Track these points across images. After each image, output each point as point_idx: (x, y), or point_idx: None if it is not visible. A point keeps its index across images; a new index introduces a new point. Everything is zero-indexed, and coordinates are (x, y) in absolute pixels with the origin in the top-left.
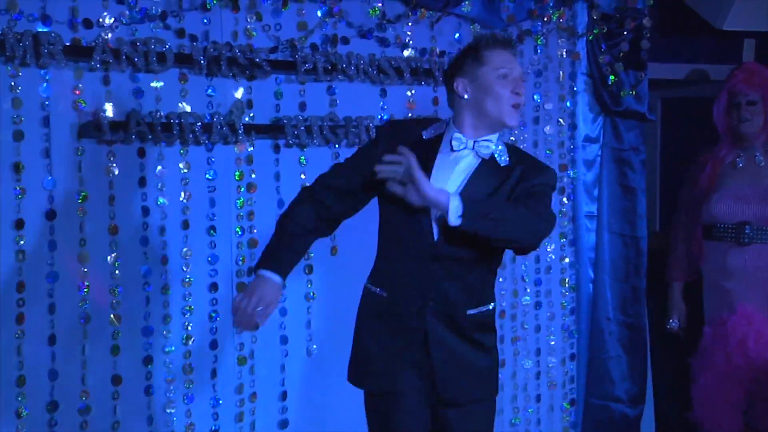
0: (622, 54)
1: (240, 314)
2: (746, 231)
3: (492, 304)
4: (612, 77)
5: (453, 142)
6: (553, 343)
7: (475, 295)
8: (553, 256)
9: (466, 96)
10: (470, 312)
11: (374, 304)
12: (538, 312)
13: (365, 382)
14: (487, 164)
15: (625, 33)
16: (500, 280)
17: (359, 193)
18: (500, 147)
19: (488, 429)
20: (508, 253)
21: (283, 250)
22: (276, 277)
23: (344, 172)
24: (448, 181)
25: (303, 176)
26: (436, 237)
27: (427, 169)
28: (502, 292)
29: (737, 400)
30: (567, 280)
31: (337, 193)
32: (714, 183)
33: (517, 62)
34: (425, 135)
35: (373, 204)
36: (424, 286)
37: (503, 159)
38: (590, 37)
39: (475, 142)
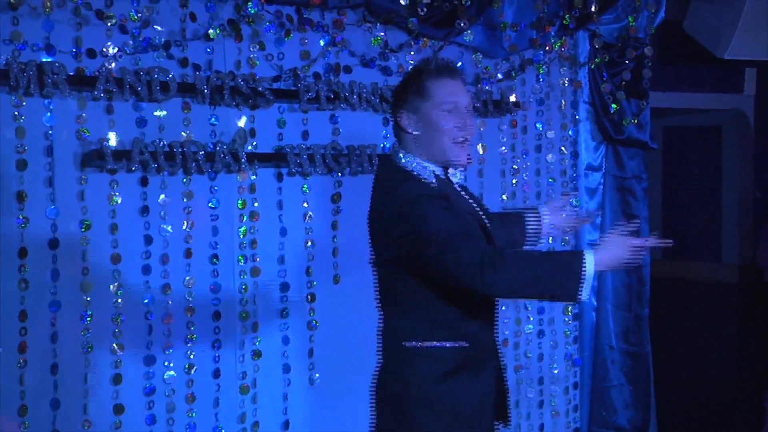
0: (623, 83)
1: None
2: None
3: None
4: (614, 106)
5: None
6: (556, 371)
7: None
8: None
9: (412, 131)
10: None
11: (449, 359)
12: (541, 341)
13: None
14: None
15: (626, 62)
16: (503, 308)
17: None
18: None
19: None
20: None
21: None
22: None
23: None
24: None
25: (305, 204)
26: None
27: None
28: (505, 321)
29: None
30: (570, 308)
31: None
32: None
33: (464, 90)
34: (430, 179)
35: None
36: (491, 326)
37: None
38: (592, 66)
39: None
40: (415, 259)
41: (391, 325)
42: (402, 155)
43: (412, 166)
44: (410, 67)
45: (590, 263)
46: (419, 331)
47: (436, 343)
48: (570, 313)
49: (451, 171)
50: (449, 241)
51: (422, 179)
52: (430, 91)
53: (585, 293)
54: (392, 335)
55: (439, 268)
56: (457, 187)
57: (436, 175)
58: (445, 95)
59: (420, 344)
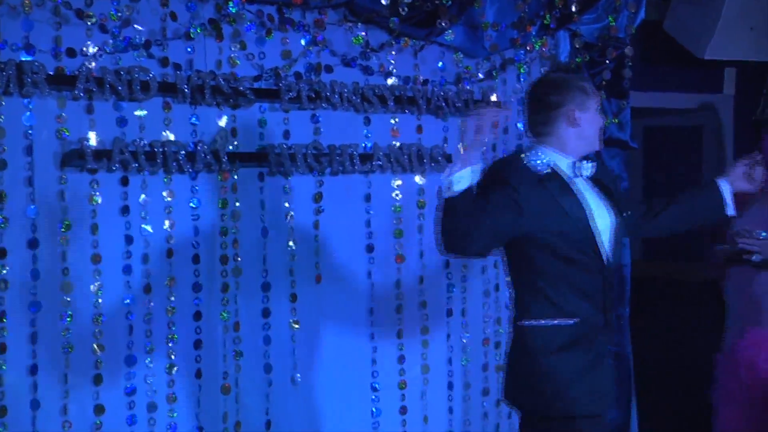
0: (604, 82)
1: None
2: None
3: None
4: None
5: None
6: None
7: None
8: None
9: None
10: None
11: (561, 336)
12: None
13: (576, 407)
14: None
15: (607, 62)
16: (484, 307)
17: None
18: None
19: None
20: (491, 281)
21: None
22: None
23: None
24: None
25: (287, 204)
26: (609, 253)
27: (575, 198)
28: (486, 320)
29: (748, 418)
30: None
31: None
32: (743, 209)
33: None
34: (541, 169)
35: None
36: (603, 303)
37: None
38: (573, 66)
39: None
40: None
41: (515, 303)
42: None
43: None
44: (392, 67)
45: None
46: (533, 311)
47: (545, 322)
48: None
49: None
50: None
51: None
52: (591, 97)
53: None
54: (515, 313)
55: None
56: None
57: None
58: (597, 101)
59: (533, 323)
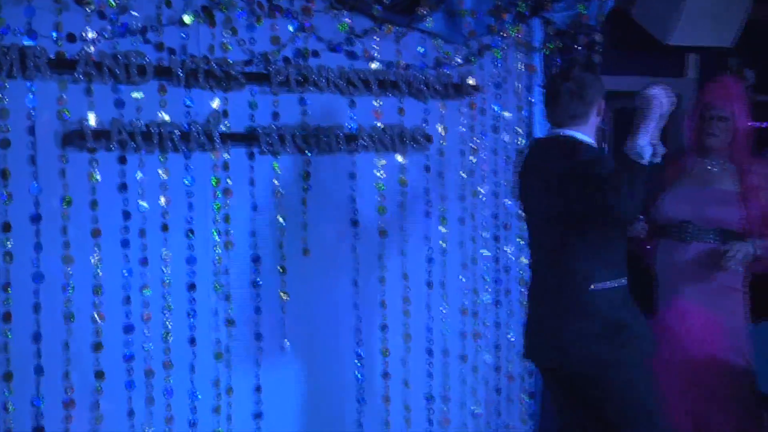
0: (576, 67)
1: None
2: (689, 229)
3: None
4: None
5: None
6: (512, 338)
7: None
8: (513, 257)
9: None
10: None
11: (621, 294)
12: (498, 310)
13: (647, 346)
14: None
15: (578, 48)
16: (462, 280)
17: None
18: None
19: None
20: (469, 254)
21: None
22: None
23: None
24: None
25: (276, 182)
26: None
27: None
28: (465, 291)
29: (677, 388)
30: (524, 279)
31: None
32: (669, 186)
33: None
34: None
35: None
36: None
37: None
38: (546, 52)
39: None
40: None
41: (577, 271)
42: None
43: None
44: (376, 52)
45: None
46: (599, 276)
47: (610, 283)
48: (524, 284)
49: None
50: None
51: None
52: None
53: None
54: (578, 280)
55: None
56: None
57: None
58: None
59: (599, 286)
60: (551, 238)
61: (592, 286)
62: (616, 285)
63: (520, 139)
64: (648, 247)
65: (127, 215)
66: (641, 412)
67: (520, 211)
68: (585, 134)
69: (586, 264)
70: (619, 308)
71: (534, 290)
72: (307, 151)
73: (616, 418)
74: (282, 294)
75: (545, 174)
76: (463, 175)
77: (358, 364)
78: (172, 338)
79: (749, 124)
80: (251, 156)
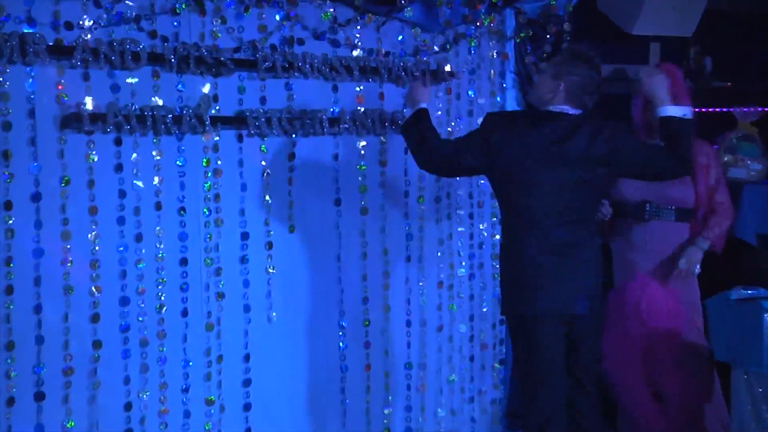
0: (545, 54)
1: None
2: (647, 209)
3: None
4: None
5: None
6: (485, 310)
7: None
8: (486, 234)
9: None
10: None
11: None
12: (471, 282)
13: None
14: None
15: (548, 36)
16: (438, 254)
17: None
18: None
19: None
20: (445, 230)
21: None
22: None
23: None
24: None
25: (263, 163)
26: None
27: None
28: (441, 265)
29: (635, 354)
30: (497, 254)
31: None
32: None
33: None
34: None
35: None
36: None
37: None
38: (518, 40)
39: None
40: None
41: (593, 228)
42: None
43: None
44: (358, 40)
45: None
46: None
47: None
48: (497, 259)
49: None
50: None
51: None
52: None
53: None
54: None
55: None
56: None
57: None
58: None
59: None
60: (577, 201)
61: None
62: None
63: None
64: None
65: (122, 194)
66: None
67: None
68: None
69: (595, 222)
70: None
71: (549, 247)
72: (292, 134)
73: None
74: (269, 268)
75: (576, 147)
76: None
77: (341, 335)
78: (165, 310)
79: (690, 105)
80: (240, 138)
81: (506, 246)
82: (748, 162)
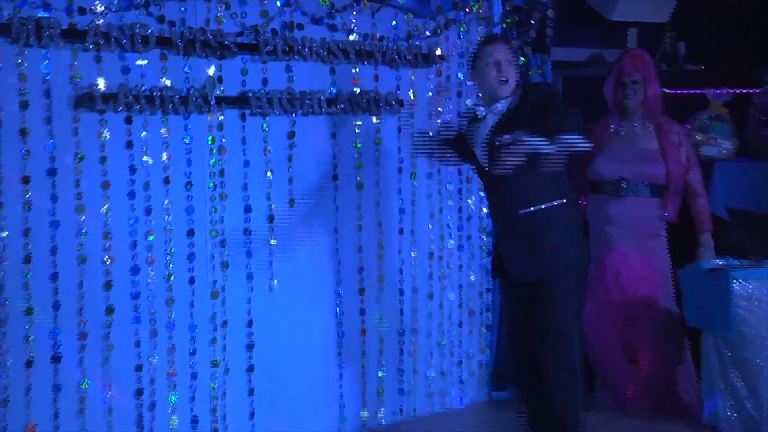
0: (530, 40)
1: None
2: (623, 186)
3: None
4: (522, 59)
5: (479, 112)
6: (473, 279)
7: None
8: (473, 208)
9: (473, 82)
10: None
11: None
12: (460, 254)
13: None
14: (505, 116)
15: (532, 22)
16: (429, 227)
17: None
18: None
19: None
20: (436, 205)
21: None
22: None
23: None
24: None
25: (265, 141)
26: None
27: (471, 135)
28: (432, 238)
29: (614, 322)
30: (484, 227)
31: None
32: (600, 147)
33: (501, 50)
34: (479, 114)
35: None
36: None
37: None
38: (504, 25)
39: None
40: None
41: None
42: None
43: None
44: (354, 25)
45: None
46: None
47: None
48: (484, 231)
49: (494, 105)
50: None
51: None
52: (479, 53)
53: None
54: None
55: None
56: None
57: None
58: (486, 53)
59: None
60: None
61: None
62: None
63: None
64: (582, 202)
65: (133, 170)
66: None
67: None
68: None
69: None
70: None
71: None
72: (292, 113)
73: None
74: (270, 240)
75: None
76: (430, 134)
77: (338, 302)
78: (173, 278)
79: (658, 87)
80: (243, 117)
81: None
82: (719, 141)
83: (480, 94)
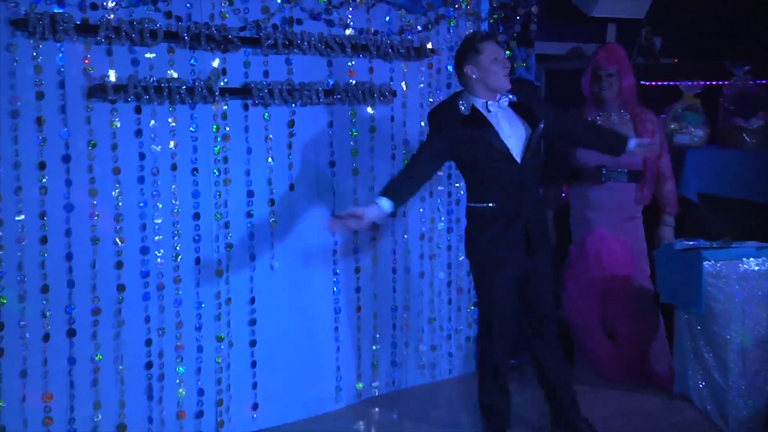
0: (515, 34)
1: (334, 218)
2: (603, 172)
3: None
4: (508, 52)
5: (489, 106)
6: (461, 258)
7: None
8: (462, 192)
9: (474, 76)
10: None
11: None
12: (449, 235)
13: (490, 256)
14: (514, 106)
15: (517, 18)
16: (420, 210)
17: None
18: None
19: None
20: (426, 189)
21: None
22: (386, 203)
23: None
24: (511, 126)
25: (266, 129)
26: (521, 157)
27: (491, 127)
28: (423, 220)
29: (594, 300)
30: None
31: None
32: None
33: (501, 47)
34: (464, 112)
35: (318, 156)
36: (518, 192)
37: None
38: (491, 21)
39: (499, 100)
40: None
41: (467, 192)
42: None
43: (460, 102)
44: (350, 20)
45: None
46: (471, 197)
47: (475, 204)
48: None
49: (498, 97)
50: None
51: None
52: (482, 48)
53: None
54: (467, 198)
55: None
56: (495, 112)
57: (473, 107)
58: (491, 50)
59: (472, 204)
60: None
61: (468, 204)
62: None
63: None
64: (563, 188)
65: (142, 156)
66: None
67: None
68: (471, 96)
69: (467, 188)
70: (479, 224)
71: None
72: (292, 103)
73: None
74: (271, 222)
75: None
76: (422, 124)
77: (335, 280)
78: (180, 258)
79: (633, 80)
80: (246, 107)
81: None
82: (692, 129)
83: (473, 86)
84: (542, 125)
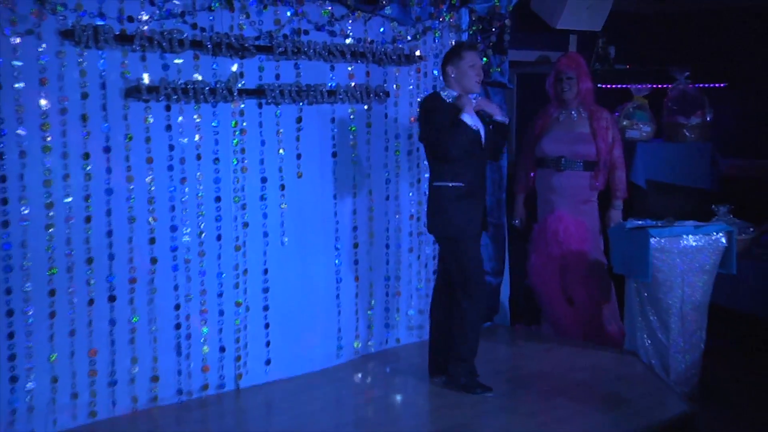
0: (491, 44)
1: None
2: (562, 162)
3: None
4: (485, 59)
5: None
6: None
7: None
8: None
9: (453, 75)
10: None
11: (456, 191)
12: None
13: (464, 230)
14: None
15: (493, 30)
16: (410, 194)
17: None
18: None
19: None
20: (415, 176)
21: None
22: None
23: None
24: (476, 119)
25: (278, 125)
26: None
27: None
28: (411, 203)
29: (554, 271)
30: None
31: None
32: (544, 130)
33: (479, 57)
34: (447, 99)
35: (323, 148)
36: (481, 173)
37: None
38: (470, 32)
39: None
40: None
41: (432, 174)
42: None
43: (444, 94)
44: (349, 31)
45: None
46: (442, 176)
47: (445, 183)
48: None
49: (471, 95)
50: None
51: (446, 100)
52: (464, 55)
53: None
54: (430, 178)
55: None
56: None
57: (453, 97)
58: (471, 60)
59: (441, 183)
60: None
61: (436, 183)
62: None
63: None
64: (531, 175)
65: (171, 147)
66: None
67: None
68: (450, 90)
69: (434, 167)
70: (451, 201)
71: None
72: (300, 102)
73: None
74: (282, 204)
75: None
76: (411, 119)
77: (337, 254)
78: (204, 235)
79: (590, 83)
80: (260, 105)
81: None
82: (641, 125)
83: (450, 82)
84: (491, 126)
